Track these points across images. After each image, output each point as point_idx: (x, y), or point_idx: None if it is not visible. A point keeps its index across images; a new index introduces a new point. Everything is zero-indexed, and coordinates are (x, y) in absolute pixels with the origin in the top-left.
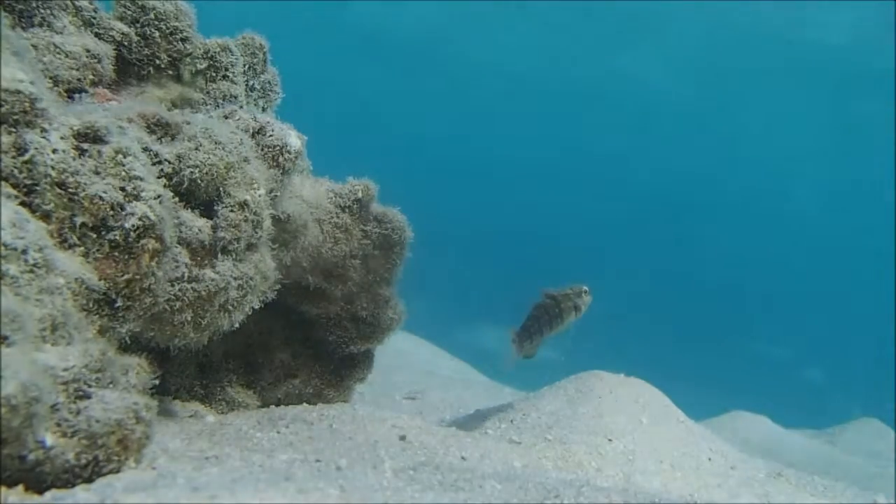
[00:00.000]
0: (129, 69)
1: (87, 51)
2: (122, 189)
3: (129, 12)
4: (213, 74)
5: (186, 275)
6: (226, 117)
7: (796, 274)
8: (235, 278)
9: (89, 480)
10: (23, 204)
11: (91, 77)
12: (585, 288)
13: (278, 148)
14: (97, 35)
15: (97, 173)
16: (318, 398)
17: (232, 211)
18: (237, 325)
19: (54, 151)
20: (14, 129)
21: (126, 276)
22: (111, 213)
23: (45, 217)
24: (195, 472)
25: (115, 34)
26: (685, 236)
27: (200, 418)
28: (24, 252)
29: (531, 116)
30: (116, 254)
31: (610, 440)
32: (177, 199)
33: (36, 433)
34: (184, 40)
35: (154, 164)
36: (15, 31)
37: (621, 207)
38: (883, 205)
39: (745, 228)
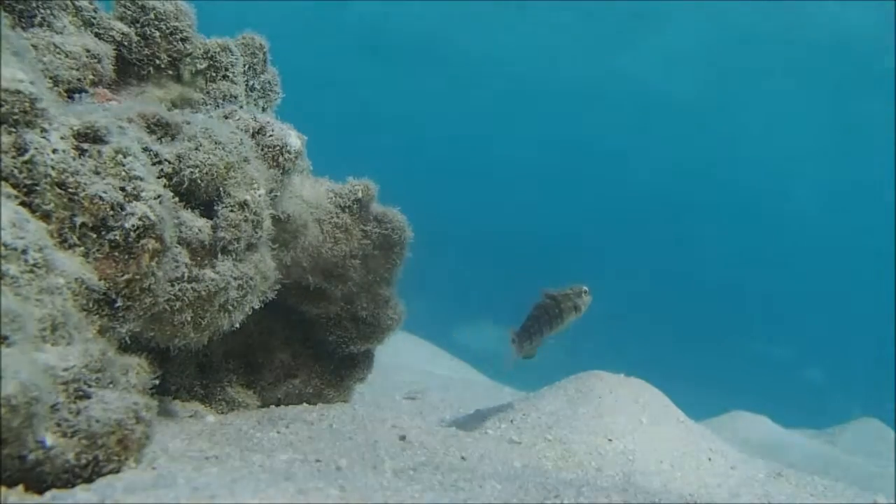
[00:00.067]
0: (129, 69)
1: (87, 51)
2: (122, 189)
3: (129, 12)
4: (213, 74)
5: (186, 275)
6: (226, 117)
7: (796, 274)
8: (235, 278)
9: (89, 480)
10: (23, 204)
11: (91, 77)
12: (585, 288)
13: (278, 148)
14: (97, 35)
15: (97, 173)
16: (318, 398)
17: (232, 211)
18: (237, 325)
19: (54, 151)
20: (14, 129)
21: (126, 276)
22: (111, 213)
23: (45, 217)
24: (195, 472)
25: (115, 34)
26: (685, 236)
27: (200, 418)
28: (24, 252)
29: (530, 116)
30: (116, 254)
31: (610, 440)
32: (177, 199)
33: (36, 433)
34: (184, 40)
35: (154, 164)
36: (15, 31)
37: (621, 207)
38: (883, 205)
39: (746, 228)
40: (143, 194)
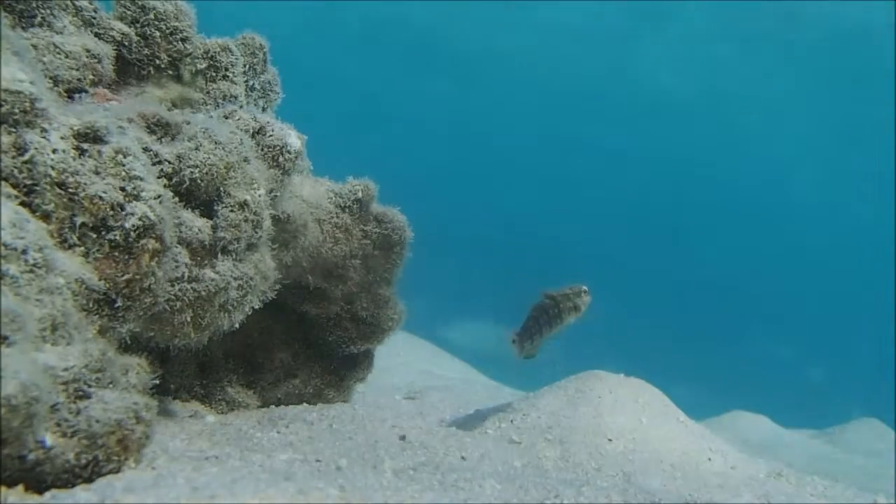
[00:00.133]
0: (129, 69)
1: (87, 51)
2: (122, 189)
3: (129, 12)
4: (213, 74)
5: (186, 275)
6: (226, 117)
7: (796, 274)
8: (235, 278)
9: (89, 480)
10: (23, 204)
11: (91, 77)
12: (585, 288)
13: (278, 148)
14: (97, 35)
15: (97, 173)
16: (318, 398)
17: (232, 211)
18: (237, 325)
19: (54, 151)
20: (14, 129)
21: (126, 276)
22: (111, 213)
23: (45, 217)
24: (195, 472)
25: (115, 34)
26: (685, 236)
27: (200, 418)
28: (24, 252)
29: (530, 115)
30: (116, 254)
31: (610, 440)
32: (177, 199)
33: (36, 433)
34: (184, 40)
35: (154, 164)
36: (15, 31)
37: (621, 206)
38: (883, 205)
39: (746, 228)
40: (143, 194)
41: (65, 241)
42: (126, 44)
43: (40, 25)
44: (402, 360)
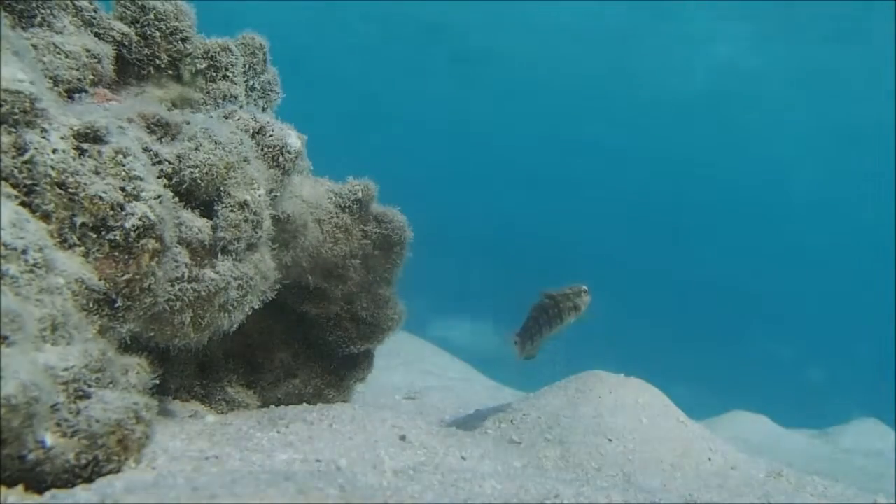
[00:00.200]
0: (129, 69)
1: (87, 51)
2: (122, 189)
3: (129, 12)
4: (213, 74)
5: (186, 275)
6: (226, 117)
7: (796, 274)
8: (235, 278)
9: (89, 480)
10: (23, 204)
11: (91, 77)
12: (585, 288)
13: (278, 148)
14: (97, 35)
15: (97, 173)
16: (318, 398)
17: (232, 211)
18: (237, 326)
19: (54, 151)
20: (14, 129)
21: (126, 276)
22: (111, 213)
23: (45, 217)
24: (195, 473)
25: (115, 34)
26: (685, 236)
27: (200, 418)
28: (24, 252)
29: (530, 115)
30: (116, 254)
31: (610, 440)
32: (177, 199)
33: (36, 433)
34: (184, 40)
35: (154, 164)
36: (15, 31)
37: (621, 206)
38: (883, 205)
39: (746, 228)
40: (143, 194)
41: (65, 241)
42: (126, 44)
43: (40, 25)
44: (402, 360)
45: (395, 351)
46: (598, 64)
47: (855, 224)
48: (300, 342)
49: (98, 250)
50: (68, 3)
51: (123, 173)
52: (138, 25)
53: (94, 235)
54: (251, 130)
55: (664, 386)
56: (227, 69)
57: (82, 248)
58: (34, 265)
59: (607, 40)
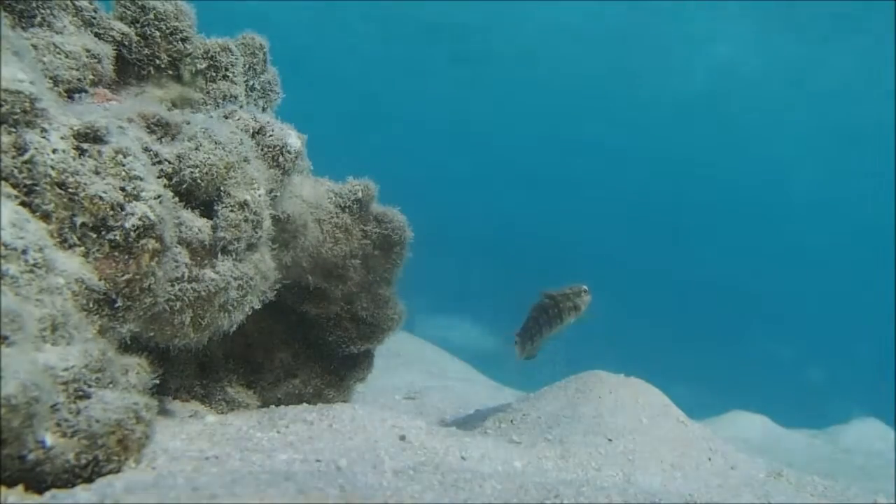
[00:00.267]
0: (129, 69)
1: (87, 51)
2: (122, 189)
3: (129, 12)
4: (213, 74)
5: (186, 275)
6: (226, 117)
7: (797, 274)
8: (235, 278)
9: (89, 480)
10: (23, 204)
11: (91, 77)
12: (585, 287)
13: (278, 148)
14: (97, 35)
15: (97, 173)
16: (318, 398)
17: (232, 211)
18: (237, 326)
19: (54, 151)
20: (14, 129)
21: (126, 276)
22: (111, 213)
23: (45, 217)
24: (195, 472)
25: (115, 34)
26: (686, 235)
27: (200, 418)
28: (24, 252)
29: (530, 115)
30: (116, 254)
31: (610, 440)
32: (177, 199)
33: (36, 433)
34: (184, 40)
35: (154, 164)
36: (15, 31)
37: (621, 207)
38: (884, 205)
39: (746, 228)
40: (143, 194)
41: (65, 241)
42: (126, 44)
43: (40, 25)
44: (402, 360)
45: (395, 351)
46: (598, 64)
47: (855, 224)
48: (300, 342)
49: (98, 250)
50: (68, 3)
51: (123, 173)
52: (138, 25)
53: (94, 235)
54: (251, 130)
55: (664, 386)
56: (227, 69)
57: (82, 248)
58: (34, 265)
59: (607, 40)
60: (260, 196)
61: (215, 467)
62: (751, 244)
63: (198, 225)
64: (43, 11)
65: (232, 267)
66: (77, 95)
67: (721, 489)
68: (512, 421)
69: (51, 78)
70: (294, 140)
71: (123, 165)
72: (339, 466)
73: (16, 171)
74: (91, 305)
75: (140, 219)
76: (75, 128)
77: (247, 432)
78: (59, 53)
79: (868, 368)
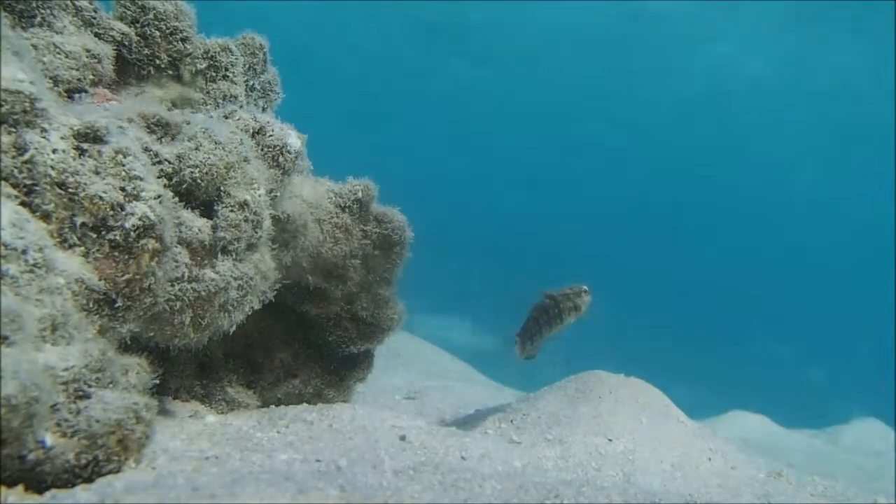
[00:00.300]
0: (129, 69)
1: (87, 51)
2: (122, 189)
3: (129, 12)
4: (213, 74)
5: (186, 275)
6: (226, 117)
7: (797, 274)
8: (235, 278)
9: (89, 480)
10: (23, 204)
11: (91, 77)
12: (585, 288)
13: (278, 148)
14: (97, 35)
15: (97, 173)
16: (318, 398)
17: (232, 211)
18: (237, 326)
19: (54, 151)
20: (14, 129)
21: (126, 276)
22: (111, 212)
23: (45, 217)
24: (195, 472)
25: (115, 34)
26: (686, 235)
27: (200, 418)
28: (24, 252)
29: (530, 115)
30: (116, 254)
31: (610, 440)
32: (177, 199)
33: (36, 433)
34: (184, 40)
35: (154, 164)
36: (15, 31)
37: (621, 207)
38: (884, 205)
39: (746, 228)
40: (143, 194)
41: (65, 241)
42: (126, 44)
43: (40, 25)
44: (402, 360)
45: (395, 351)
46: (598, 64)
47: (855, 224)
48: (300, 342)
49: (98, 250)
50: (68, 3)
51: (123, 173)
52: (138, 25)
53: (94, 235)
54: (251, 130)
55: (664, 386)
56: (227, 69)
57: (82, 248)
58: (34, 265)
59: (607, 40)
60: (260, 196)
61: (215, 467)
62: (751, 244)
63: (198, 225)
64: (43, 11)
65: (232, 267)
66: (77, 95)
67: (721, 489)
68: (512, 421)
69: (51, 78)
70: (294, 140)
71: (123, 165)
72: (339, 466)
73: (16, 171)
74: (91, 305)
75: (140, 219)
76: (75, 128)
77: (247, 432)
78: (59, 53)
79: (868, 368)
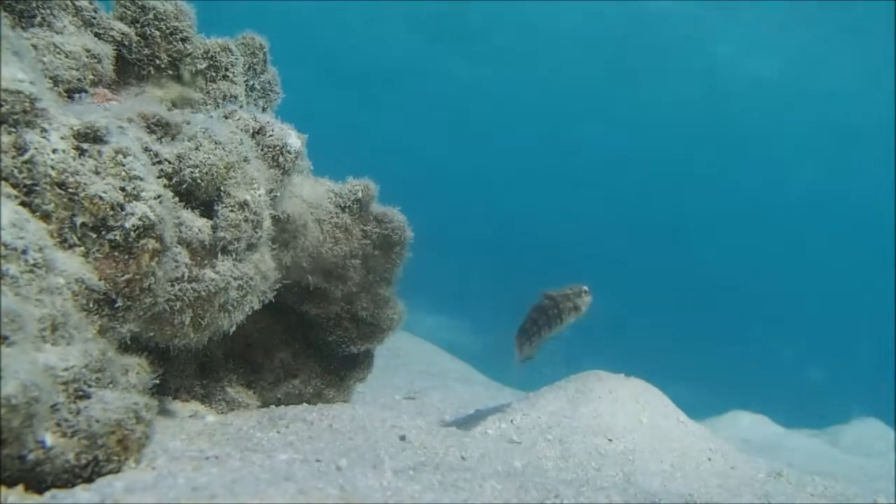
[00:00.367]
0: (129, 69)
1: (87, 51)
2: (122, 189)
3: (129, 12)
4: (213, 74)
5: (186, 275)
6: (226, 117)
7: (797, 274)
8: (235, 278)
9: (89, 480)
10: (23, 204)
11: (91, 77)
12: (585, 288)
13: (278, 148)
14: (97, 35)
15: (97, 173)
16: (318, 398)
17: (232, 211)
18: (237, 326)
19: (54, 151)
20: (14, 129)
21: (126, 276)
22: (111, 212)
23: (45, 217)
24: (195, 472)
25: (115, 34)
26: (685, 236)
27: (200, 418)
28: (24, 252)
29: (530, 115)
30: (116, 254)
31: (610, 440)
32: (177, 199)
33: (36, 433)
34: (184, 40)
35: (154, 164)
36: (15, 31)
37: (621, 207)
38: (883, 204)
39: (746, 228)
40: (143, 194)
41: (65, 241)
42: (126, 44)
43: (40, 25)
44: (402, 360)
45: (395, 351)
46: (598, 64)
47: (855, 224)
48: (300, 342)
49: (98, 250)
50: (68, 3)
51: (123, 173)
52: (138, 25)
53: (94, 235)
54: (251, 130)
55: (664, 386)
56: (227, 69)
57: (82, 248)
58: (34, 265)
59: (607, 40)
60: (260, 196)
61: (215, 467)
62: (751, 244)
63: (198, 225)
64: (43, 11)
65: (232, 267)
66: (77, 95)
67: (721, 489)
68: (512, 421)
69: (51, 78)
70: (294, 140)
71: (123, 165)
72: (339, 466)
73: (16, 171)
74: (91, 305)
75: (140, 219)
76: (75, 128)
77: (247, 432)
78: (59, 53)
79: (868, 368)
